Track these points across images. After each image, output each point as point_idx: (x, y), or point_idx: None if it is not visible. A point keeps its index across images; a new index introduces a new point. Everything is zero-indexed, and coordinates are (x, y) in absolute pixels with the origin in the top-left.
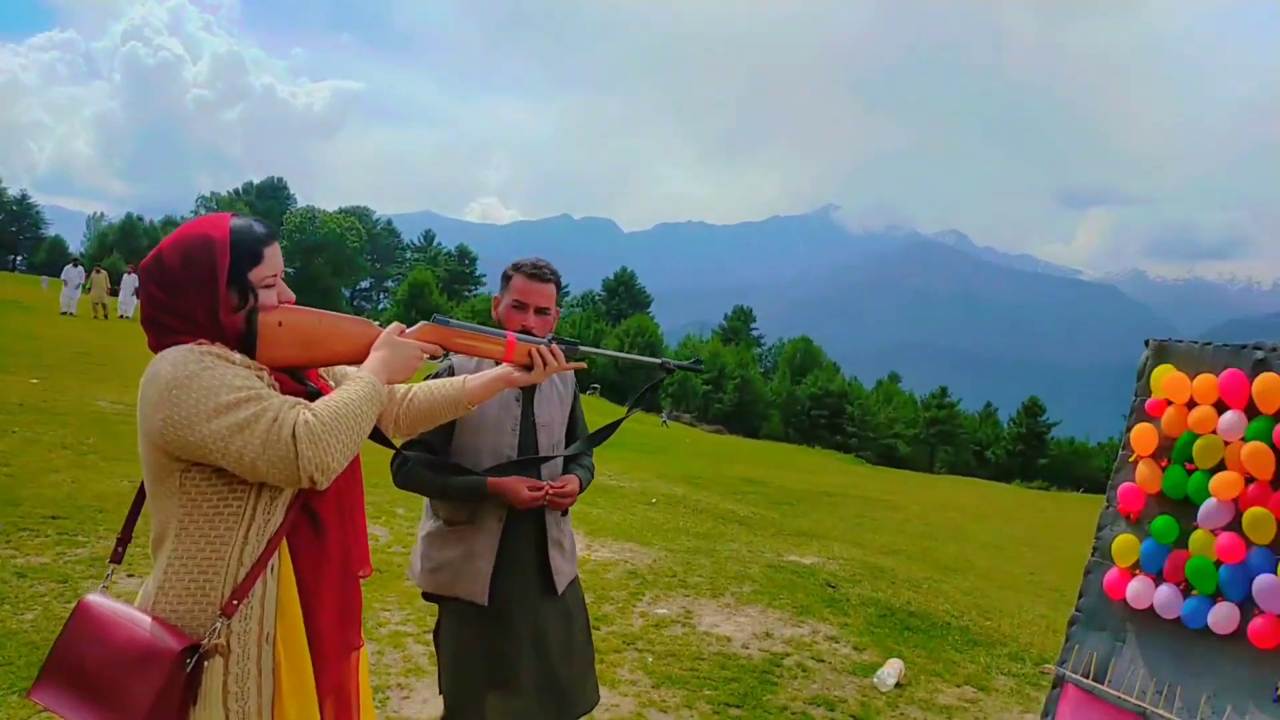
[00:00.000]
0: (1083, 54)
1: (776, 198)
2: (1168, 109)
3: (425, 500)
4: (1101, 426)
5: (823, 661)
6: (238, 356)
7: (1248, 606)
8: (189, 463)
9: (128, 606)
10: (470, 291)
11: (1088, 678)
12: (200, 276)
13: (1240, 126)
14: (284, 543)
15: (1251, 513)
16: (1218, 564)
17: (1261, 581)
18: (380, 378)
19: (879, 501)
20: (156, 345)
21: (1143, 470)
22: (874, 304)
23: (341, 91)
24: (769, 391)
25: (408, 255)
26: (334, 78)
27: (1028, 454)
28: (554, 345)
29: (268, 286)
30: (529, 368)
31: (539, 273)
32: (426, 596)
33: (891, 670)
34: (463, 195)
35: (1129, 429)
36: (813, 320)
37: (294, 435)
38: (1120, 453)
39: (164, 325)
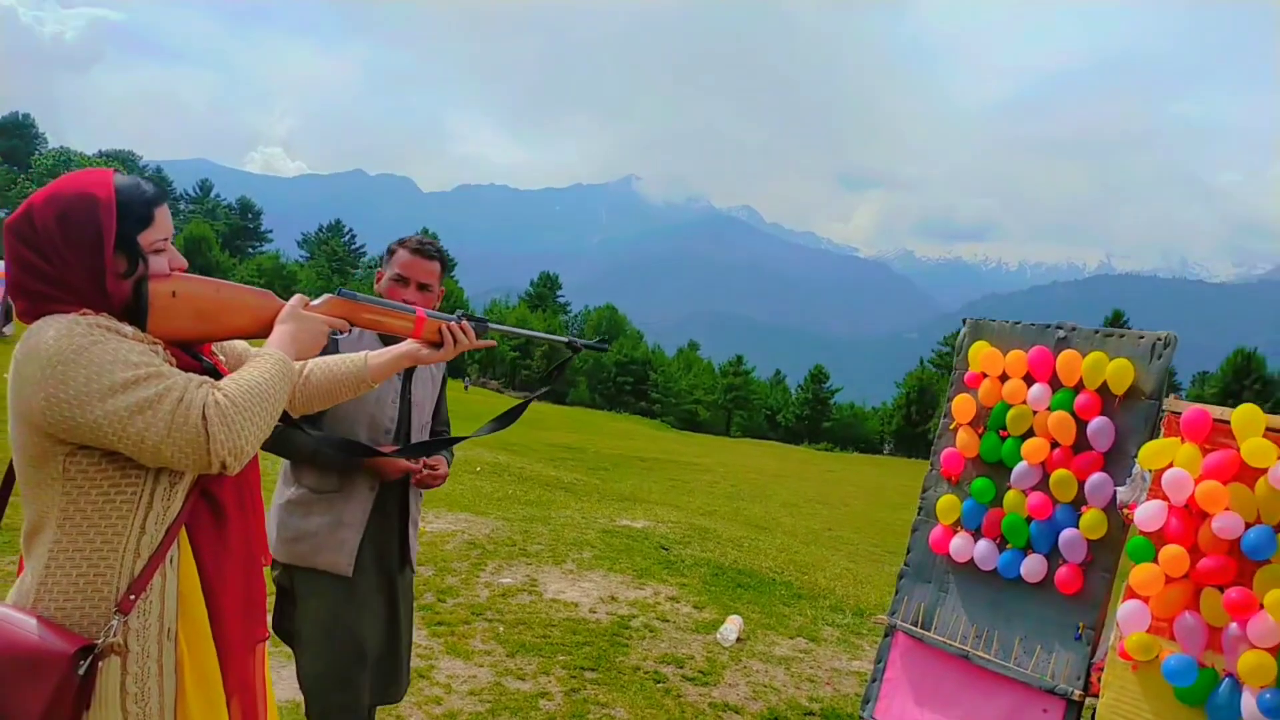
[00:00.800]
0: (862, 47)
1: (580, 165)
2: (935, 103)
3: (282, 466)
4: (876, 392)
5: (667, 621)
6: (129, 329)
7: (1054, 557)
8: (75, 445)
9: (4, 607)
10: (255, 248)
11: (916, 626)
12: (83, 239)
13: (994, 123)
14: (183, 531)
15: (1057, 474)
16: (1029, 520)
17: (1066, 535)
18: (289, 354)
19: (688, 465)
20: (29, 314)
21: (962, 437)
22: (673, 274)
23: (100, 21)
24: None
25: (181, 206)
26: (89, 5)
27: (814, 418)
28: (464, 322)
29: (158, 251)
30: (438, 345)
31: (424, 249)
32: (275, 569)
33: (732, 626)
34: (243, 144)
35: (949, 399)
36: (616, 288)
37: (204, 417)
38: (941, 421)
39: (38, 293)
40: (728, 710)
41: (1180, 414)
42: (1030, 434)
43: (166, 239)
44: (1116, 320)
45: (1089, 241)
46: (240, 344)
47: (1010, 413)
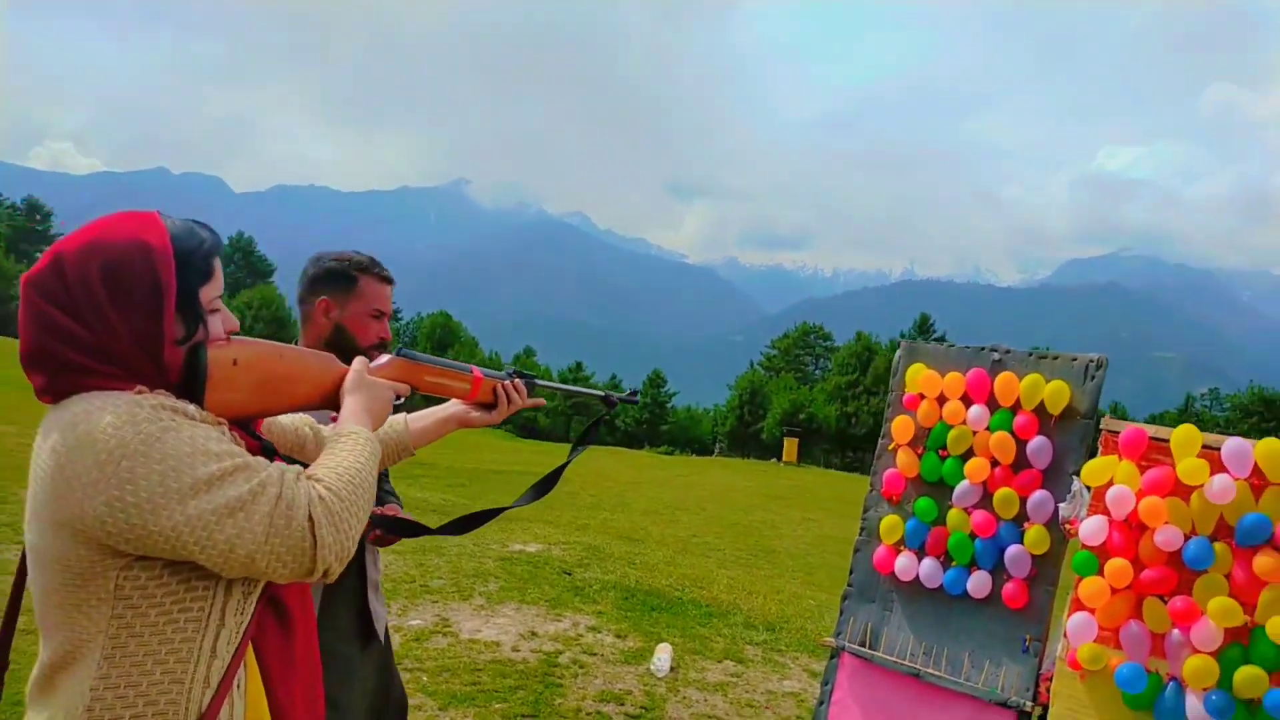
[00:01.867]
0: (692, 57)
1: (406, 167)
2: (760, 116)
3: None
4: (708, 394)
5: (595, 655)
6: (193, 409)
7: (999, 573)
8: (132, 557)
9: None
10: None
11: (864, 646)
12: (136, 299)
13: (814, 137)
14: (249, 649)
15: (1000, 493)
16: (973, 537)
17: (1011, 551)
18: (369, 430)
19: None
20: (53, 391)
21: (902, 457)
22: (507, 279)
23: None
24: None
25: None
26: None
27: (653, 421)
28: (516, 380)
29: (214, 311)
30: (490, 405)
31: (385, 272)
32: None
33: (664, 656)
34: (26, 137)
35: (888, 420)
36: (448, 294)
37: (310, 517)
38: (880, 441)
39: (71, 365)
40: None
41: (1118, 433)
42: (971, 454)
43: (221, 295)
44: (924, 323)
45: (895, 250)
46: (297, 417)
47: (951, 433)
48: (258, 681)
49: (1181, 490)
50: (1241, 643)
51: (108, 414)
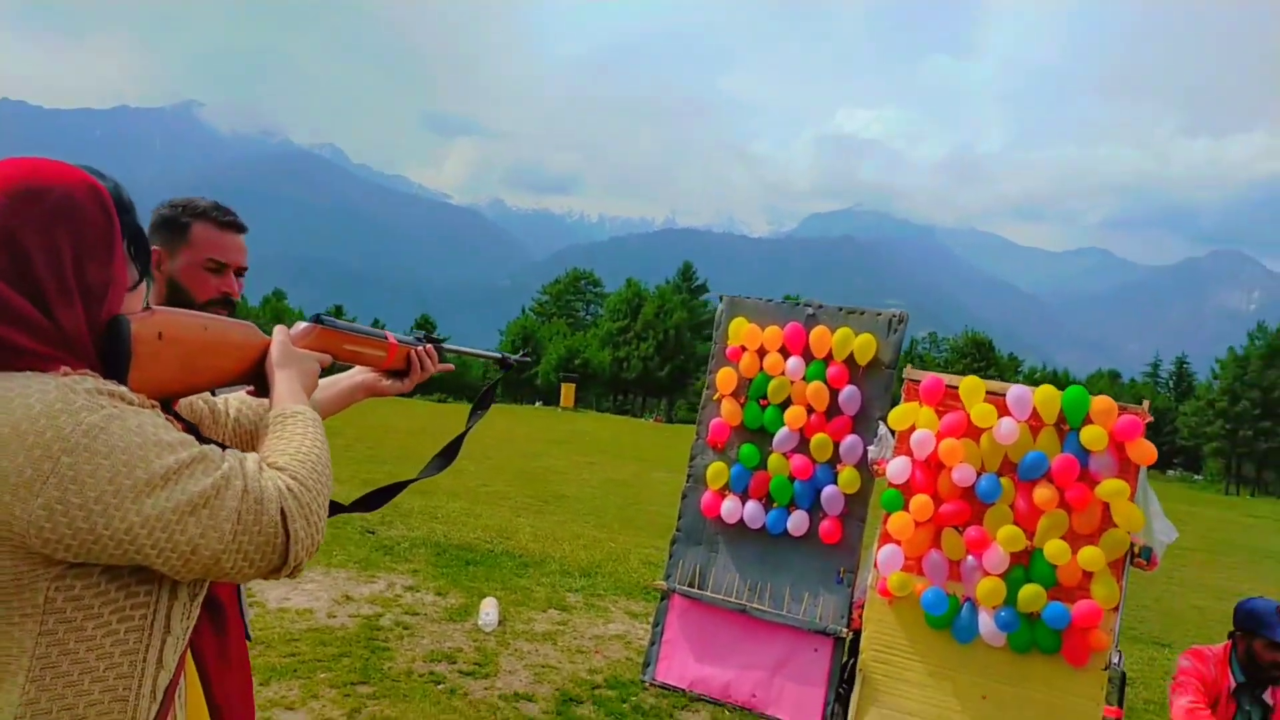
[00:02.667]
0: None
1: (125, 83)
2: (525, 55)
3: None
4: (477, 339)
5: (418, 615)
6: (127, 391)
7: (815, 512)
8: (65, 565)
9: None
10: None
11: (692, 587)
12: (92, 244)
13: (579, 81)
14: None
15: (816, 438)
16: (792, 480)
17: (827, 491)
18: (313, 410)
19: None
20: None
21: (726, 407)
22: (249, 214)
23: None
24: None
25: None
26: None
27: None
28: (428, 346)
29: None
30: (401, 373)
31: (232, 219)
32: None
33: (491, 609)
34: None
35: (711, 371)
36: None
37: (282, 512)
38: (705, 392)
39: None
40: (520, 700)
41: (919, 382)
42: (789, 402)
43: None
44: (687, 271)
45: (657, 199)
46: (216, 394)
47: (771, 384)
48: (196, 686)
49: (973, 432)
50: (1023, 564)
51: (34, 400)
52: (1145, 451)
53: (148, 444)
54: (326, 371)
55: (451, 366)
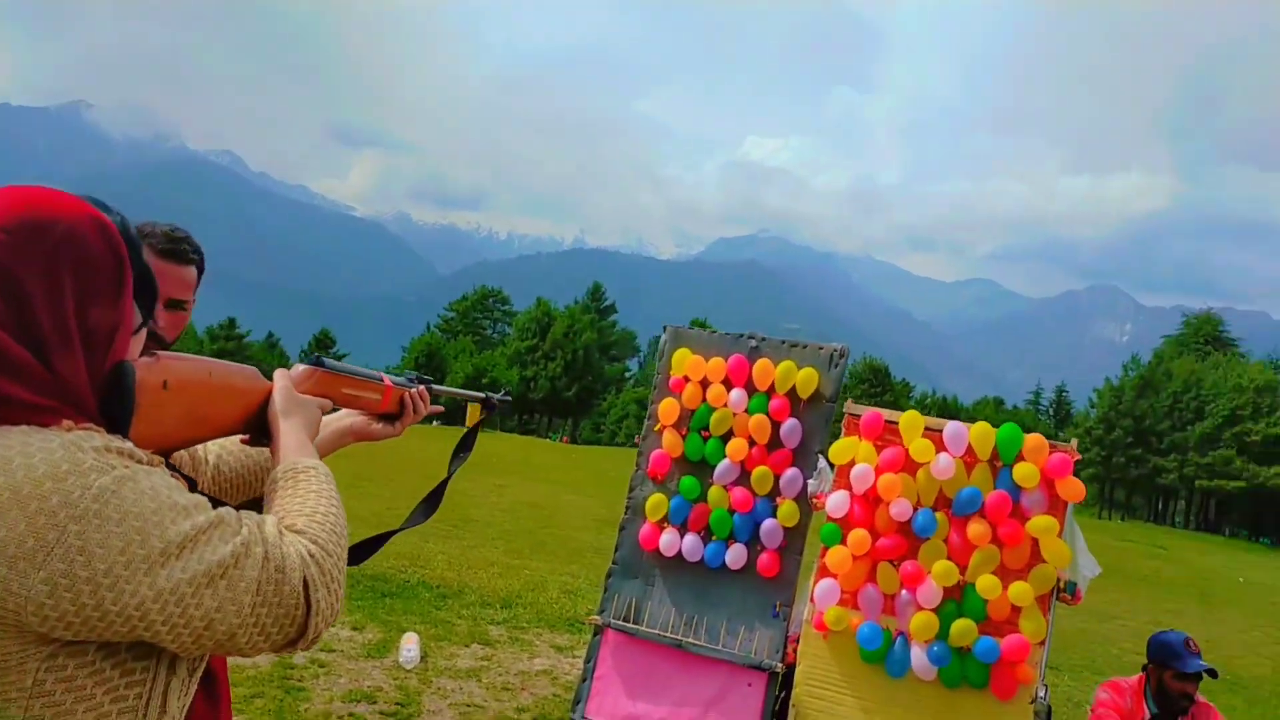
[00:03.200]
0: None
1: (6, 80)
2: (434, 68)
3: None
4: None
5: (334, 651)
6: (130, 445)
7: (754, 545)
8: (59, 644)
9: None
10: None
11: (627, 621)
12: (101, 286)
13: (488, 96)
14: None
15: (758, 470)
16: (732, 512)
17: (766, 525)
18: (324, 464)
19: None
20: None
21: (668, 438)
22: (139, 221)
23: None
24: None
25: None
26: None
27: None
28: (422, 389)
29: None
30: (394, 417)
31: (177, 248)
32: None
33: (412, 645)
34: None
35: (654, 402)
36: None
37: (304, 581)
38: (646, 423)
39: None
40: None
41: (859, 416)
42: (731, 434)
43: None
44: (597, 291)
45: (567, 218)
46: (213, 444)
47: (714, 416)
48: None
49: (910, 467)
50: (955, 599)
51: (38, 461)
52: (1074, 489)
53: (162, 508)
54: None
55: (442, 408)
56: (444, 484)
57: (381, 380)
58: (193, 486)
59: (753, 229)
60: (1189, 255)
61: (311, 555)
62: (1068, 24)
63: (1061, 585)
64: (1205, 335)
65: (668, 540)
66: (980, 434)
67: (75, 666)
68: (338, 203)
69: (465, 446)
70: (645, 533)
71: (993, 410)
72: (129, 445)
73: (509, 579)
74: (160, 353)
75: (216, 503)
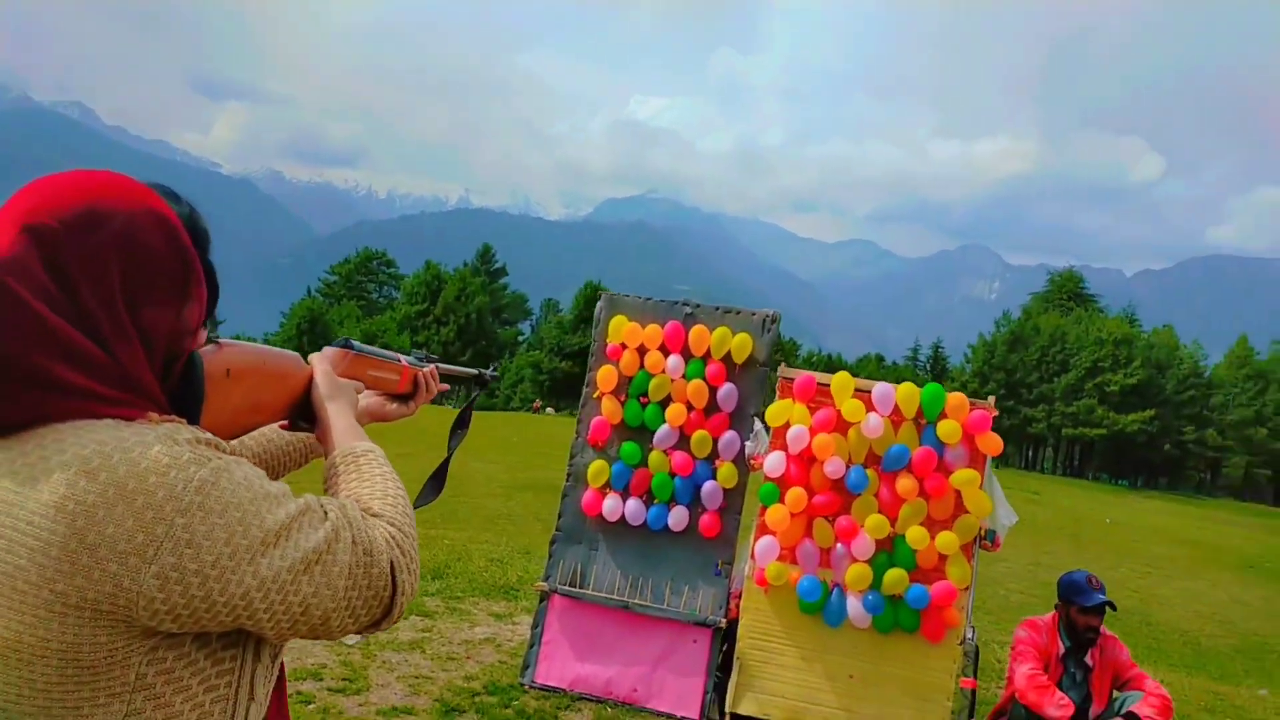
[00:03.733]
0: None
1: None
2: (309, 14)
3: None
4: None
5: None
6: (216, 438)
7: (695, 507)
8: (161, 637)
9: None
10: None
11: (574, 586)
12: (163, 286)
13: (363, 47)
14: None
15: (696, 435)
16: (673, 476)
17: (707, 487)
18: (370, 442)
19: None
20: (18, 420)
21: (607, 405)
22: None
23: None
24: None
25: None
26: None
27: None
28: (433, 367)
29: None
30: (407, 397)
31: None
32: None
33: None
34: None
35: (592, 369)
36: None
37: (391, 563)
38: (585, 390)
39: (64, 385)
40: (399, 714)
41: (793, 380)
42: (669, 400)
43: None
44: (486, 253)
45: (450, 176)
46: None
47: (652, 382)
48: None
49: (842, 427)
50: (887, 550)
51: (137, 455)
52: (993, 443)
53: (257, 498)
54: None
55: (448, 387)
56: (446, 462)
57: (399, 361)
58: None
59: (641, 189)
60: (1051, 217)
61: (393, 538)
62: None
63: (983, 534)
64: (1068, 292)
65: (610, 505)
66: (906, 394)
67: (174, 659)
68: (202, 159)
69: (462, 423)
70: (588, 499)
71: (875, 367)
72: (215, 437)
73: (432, 549)
74: (223, 341)
75: None
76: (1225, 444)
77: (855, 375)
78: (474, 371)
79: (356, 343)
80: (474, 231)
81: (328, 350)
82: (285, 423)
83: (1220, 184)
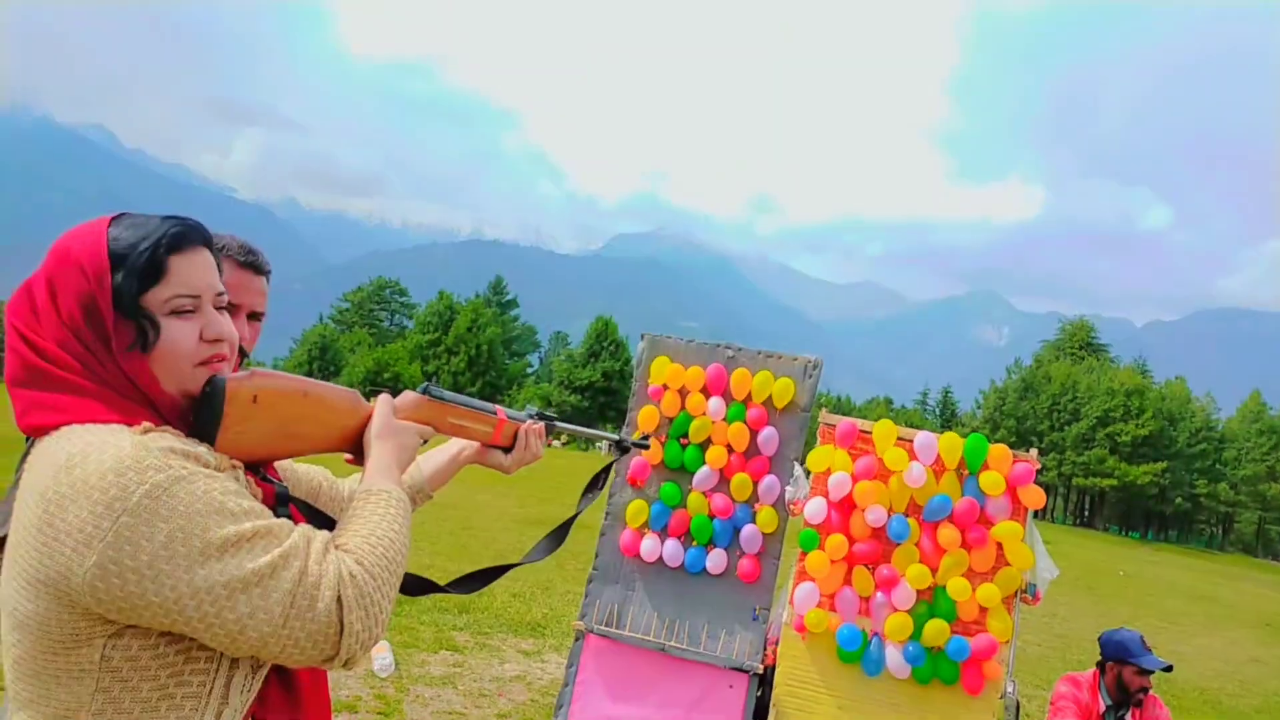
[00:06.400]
0: None
1: None
2: (328, 47)
3: None
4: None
5: None
6: (205, 451)
7: (733, 550)
8: (122, 625)
9: None
10: None
11: (610, 626)
12: (73, 310)
13: (384, 80)
14: None
15: (737, 478)
16: (712, 518)
17: (746, 530)
18: (401, 491)
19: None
20: (37, 423)
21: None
22: (2, 197)
23: None
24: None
25: None
26: None
27: None
28: (538, 424)
29: (178, 313)
30: (507, 449)
31: (256, 260)
32: None
33: (385, 653)
34: None
35: (633, 409)
36: None
37: (339, 600)
38: (625, 430)
39: (57, 381)
40: None
41: (834, 426)
42: (710, 442)
43: (197, 296)
44: (498, 285)
45: (463, 207)
46: (298, 462)
47: (693, 424)
48: None
49: (884, 475)
50: (928, 601)
51: (107, 456)
52: (1035, 496)
53: (210, 511)
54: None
55: (552, 443)
56: (571, 520)
57: (495, 413)
58: (283, 499)
59: (652, 226)
60: (1060, 264)
61: (352, 575)
62: (945, 32)
63: (1024, 587)
64: (1080, 341)
65: (649, 546)
66: (948, 444)
67: (139, 648)
68: (219, 184)
69: (595, 485)
70: (626, 539)
71: (884, 410)
72: (198, 449)
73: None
74: (256, 368)
75: (313, 511)
76: (1237, 499)
77: (865, 418)
78: (615, 437)
79: (436, 389)
80: (485, 262)
81: (406, 394)
82: (350, 458)
83: (1228, 236)
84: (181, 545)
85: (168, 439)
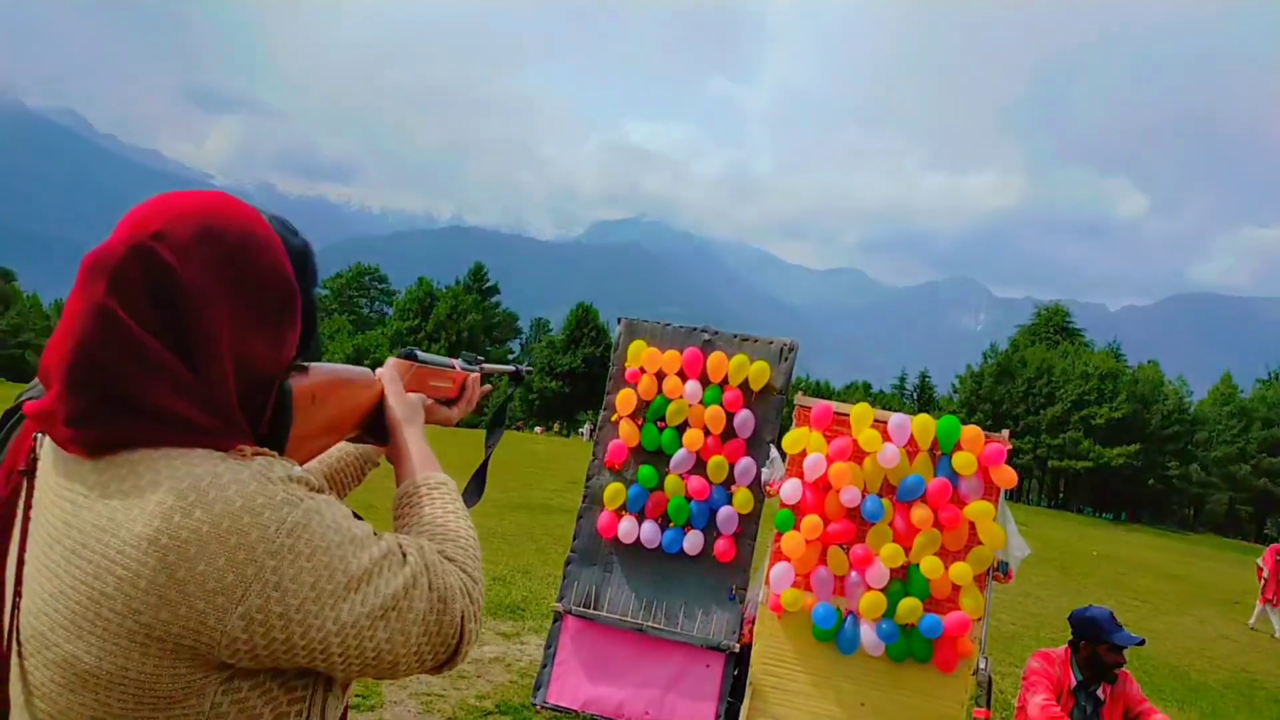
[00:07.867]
0: None
1: None
2: (302, 33)
3: None
4: None
5: None
6: (306, 475)
7: (710, 532)
8: (234, 670)
9: None
10: None
11: (587, 608)
12: (268, 312)
13: (360, 66)
14: None
15: (713, 460)
16: (689, 500)
17: (723, 512)
18: (444, 475)
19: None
20: (106, 444)
21: (624, 428)
22: None
23: None
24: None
25: None
26: None
27: None
28: (475, 372)
29: None
30: (453, 401)
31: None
32: None
33: None
34: None
35: (610, 393)
36: None
37: (462, 613)
38: (603, 413)
39: (158, 412)
40: None
41: (810, 408)
42: (686, 425)
43: None
44: (479, 272)
45: (443, 194)
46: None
47: (670, 407)
48: None
49: (858, 456)
50: (901, 579)
51: (233, 494)
52: (1006, 476)
53: (345, 541)
54: None
55: (490, 388)
56: (485, 463)
57: (453, 367)
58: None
59: (633, 212)
60: (1037, 251)
61: (465, 588)
62: (928, 27)
63: (995, 565)
64: (1055, 325)
65: (626, 528)
66: (921, 425)
67: (249, 689)
68: (195, 169)
69: (498, 421)
70: (603, 521)
71: (862, 394)
72: (306, 474)
73: None
74: (307, 365)
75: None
76: (1209, 480)
77: (844, 402)
78: (512, 368)
79: (420, 353)
80: (466, 249)
81: (394, 362)
82: (355, 435)
83: (1202, 222)
84: (328, 584)
85: (278, 465)
